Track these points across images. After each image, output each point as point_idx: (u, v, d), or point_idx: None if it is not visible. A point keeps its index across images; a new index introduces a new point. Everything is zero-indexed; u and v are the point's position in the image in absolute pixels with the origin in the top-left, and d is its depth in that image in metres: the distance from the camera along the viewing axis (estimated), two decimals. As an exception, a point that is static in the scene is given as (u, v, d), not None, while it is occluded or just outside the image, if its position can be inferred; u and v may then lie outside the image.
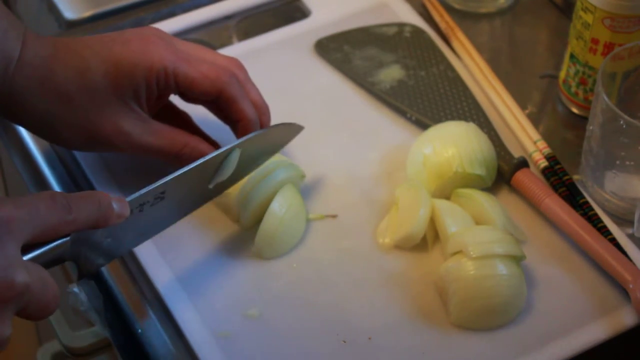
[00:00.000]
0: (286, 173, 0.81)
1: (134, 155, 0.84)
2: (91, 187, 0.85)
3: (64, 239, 0.65)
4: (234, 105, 0.80)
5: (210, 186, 0.77)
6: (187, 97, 0.81)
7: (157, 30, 0.80)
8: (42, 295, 0.61)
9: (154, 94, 0.78)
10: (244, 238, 0.82)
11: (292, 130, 0.84)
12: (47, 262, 0.64)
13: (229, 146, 0.77)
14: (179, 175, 0.73)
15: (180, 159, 0.80)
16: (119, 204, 0.67)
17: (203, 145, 0.81)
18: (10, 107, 0.77)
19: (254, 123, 0.81)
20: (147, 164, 0.86)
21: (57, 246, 0.64)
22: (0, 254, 0.59)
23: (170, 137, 0.80)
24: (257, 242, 0.79)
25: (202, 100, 0.81)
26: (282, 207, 0.79)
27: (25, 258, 0.62)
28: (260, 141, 0.80)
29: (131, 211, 0.69)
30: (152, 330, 0.76)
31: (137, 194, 0.70)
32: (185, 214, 0.77)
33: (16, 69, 0.75)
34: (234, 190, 0.80)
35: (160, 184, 0.72)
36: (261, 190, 0.80)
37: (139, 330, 0.76)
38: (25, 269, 0.60)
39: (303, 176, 0.83)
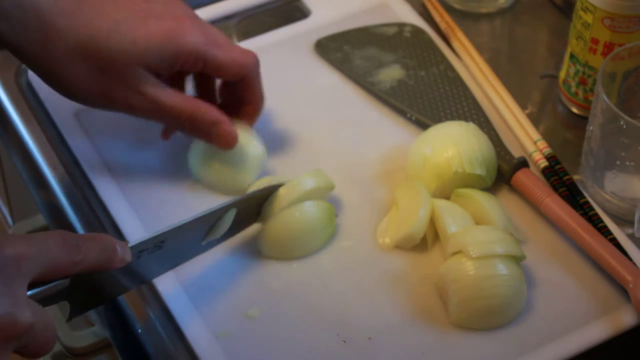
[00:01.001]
0: (315, 182, 0.81)
1: (134, 152, 0.84)
2: (91, 188, 0.85)
3: (64, 279, 0.65)
4: (251, 89, 0.83)
5: (203, 243, 0.77)
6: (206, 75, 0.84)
7: (187, 8, 0.81)
8: (42, 336, 0.61)
9: (174, 69, 0.79)
10: (245, 238, 0.82)
11: None
12: (43, 299, 0.64)
13: (226, 203, 0.77)
14: (179, 225, 0.73)
15: (194, 121, 0.80)
16: (122, 248, 0.67)
17: (216, 112, 0.81)
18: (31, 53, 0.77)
19: (261, 109, 0.85)
20: (147, 164, 0.86)
21: (57, 285, 0.64)
22: (8, 292, 0.59)
23: (184, 98, 0.80)
24: (268, 243, 0.79)
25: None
26: (304, 213, 0.79)
27: (27, 293, 0.62)
28: (258, 199, 0.80)
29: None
30: (152, 330, 0.76)
31: (138, 241, 0.71)
32: (177, 265, 0.77)
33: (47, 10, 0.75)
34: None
35: (162, 233, 0.72)
36: (286, 196, 0.80)
37: (139, 330, 0.76)
38: (30, 309, 0.60)
39: (331, 187, 0.83)
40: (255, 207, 0.80)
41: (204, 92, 0.86)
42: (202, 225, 0.76)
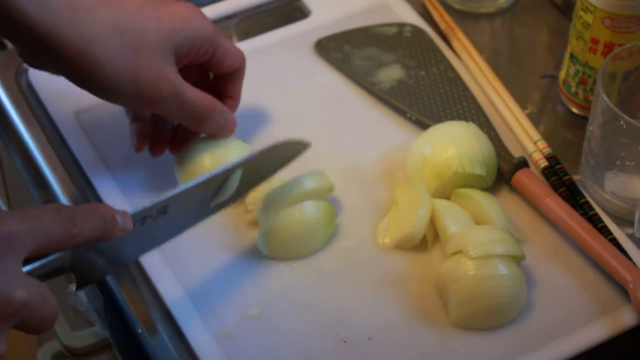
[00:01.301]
0: (313, 182, 0.81)
1: (134, 152, 0.84)
2: (91, 188, 0.85)
3: (64, 252, 0.65)
4: (237, 83, 0.84)
5: (212, 205, 0.77)
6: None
7: None
8: (41, 311, 0.61)
9: (189, 57, 0.79)
10: (245, 238, 0.82)
11: (297, 147, 0.83)
12: (46, 273, 0.64)
13: (231, 164, 0.77)
14: (183, 190, 0.73)
15: (212, 113, 0.80)
16: (122, 217, 0.67)
17: (229, 113, 0.82)
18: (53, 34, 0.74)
19: (238, 106, 0.85)
20: (147, 164, 0.86)
21: (57, 258, 0.64)
22: (0, 270, 0.59)
23: (200, 91, 0.79)
24: (268, 243, 0.79)
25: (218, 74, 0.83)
26: (303, 213, 0.79)
27: (25, 269, 0.62)
28: (264, 159, 0.80)
29: (133, 224, 0.69)
30: (152, 330, 0.76)
31: (140, 208, 0.70)
32: (185, 229, 0.77)
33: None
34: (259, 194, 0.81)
35: (165, 199, 0.71)
36: (285, 195, 0.80)
37: (139, 330, 0.76)
38: (24, 286, 0.60)
39: (331, 189, 0.82)
40: (261, 166, 0.80)
41: None
42: (207, 189, 0.76)
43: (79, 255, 0.66)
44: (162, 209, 0.72)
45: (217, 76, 0.84)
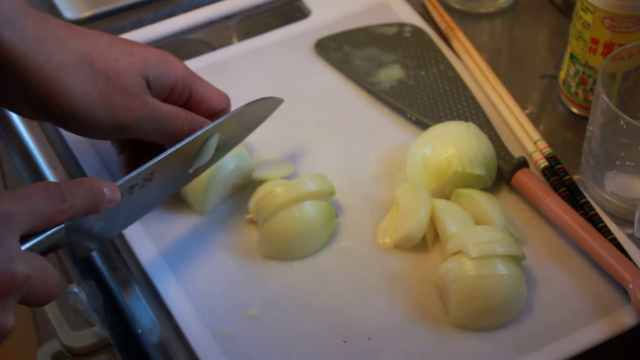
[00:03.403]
0: (315, 186, 0.80)
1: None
2: (91, 187, 0.85)
3: (59, 227, 0.66)
4: None
5: (190, 170, 0.78)
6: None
7: None
8: (44, 284, 0.62)
9: (162, 96, 0.78)
10: (245, 238, 0.82)
11: (270, 104, 0.84)
12: (43, 249, 0.65)
13: (209, 127, 0.77)
14: (165, 156, 0.74)
15: (191, 123, 0.79)
16: (110, 188, 0.68)
17: (199, 118, 0.81)
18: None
19: None
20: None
21: (52, 234, 0.66)
22: (1, 247, 0.60)
23: (178, 107, 0.79)
24: (268, 243, 0.79)
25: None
26: (303, 212, 0.79)
27: (23, 247, 0.64)
28: (239, 120, 0.80)
29: (122, 194, 0.70)
30: (152, 330, 0.76)
31: (127, 177, 0.71)
32: (169, 195, 0.79)
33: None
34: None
35: (149, 166, 0.73)
36: (286, 197, 0.79)
37: (139, 330, 0.76)
38: (25, 260, 0.61)
39: (332, 193, 0.82)
40: (237, 128, 0.81)
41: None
42: (187, 152, 0.77)
43: (73, 228, 0.68)
44: (148, 176, 0.73)
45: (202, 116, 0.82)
